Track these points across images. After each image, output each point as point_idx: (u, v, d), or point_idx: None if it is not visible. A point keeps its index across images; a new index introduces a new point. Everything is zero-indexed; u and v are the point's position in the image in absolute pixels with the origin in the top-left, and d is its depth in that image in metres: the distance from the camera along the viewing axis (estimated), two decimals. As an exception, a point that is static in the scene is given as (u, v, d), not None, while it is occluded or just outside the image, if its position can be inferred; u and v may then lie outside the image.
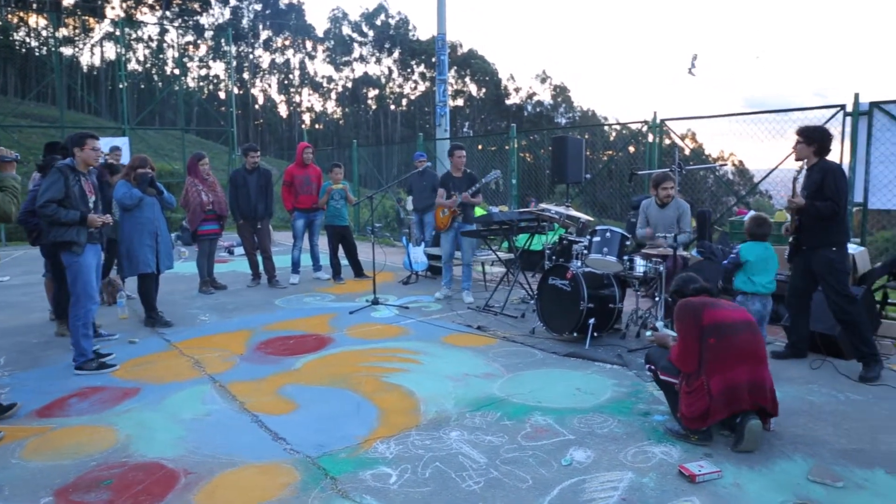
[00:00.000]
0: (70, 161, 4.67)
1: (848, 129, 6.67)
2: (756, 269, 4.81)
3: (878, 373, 4.38)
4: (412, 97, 74.58)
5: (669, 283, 5.21)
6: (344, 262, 8.70)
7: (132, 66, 56.55)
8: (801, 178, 4.57)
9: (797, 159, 4.72)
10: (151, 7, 60.40)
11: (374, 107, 74.30)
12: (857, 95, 6.59)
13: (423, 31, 76.88)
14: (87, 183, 4.74)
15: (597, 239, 5.45)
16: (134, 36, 55.45)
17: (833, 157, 4.79)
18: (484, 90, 74.30)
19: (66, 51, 52.87)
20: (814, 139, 4.58)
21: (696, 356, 3.33)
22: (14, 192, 3.72)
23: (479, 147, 15.99)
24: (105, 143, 14.31)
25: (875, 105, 6.49)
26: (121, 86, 17.94)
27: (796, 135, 4.68)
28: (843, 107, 6.72)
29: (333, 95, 75.66)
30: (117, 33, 22.85)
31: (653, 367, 3.64)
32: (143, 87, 53.86)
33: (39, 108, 39.24)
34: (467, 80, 74.35)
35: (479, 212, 8.87)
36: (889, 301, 5.97)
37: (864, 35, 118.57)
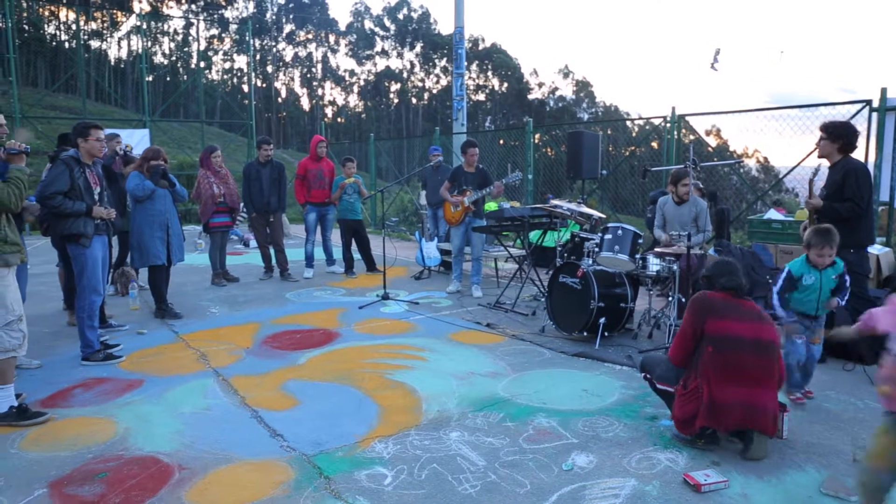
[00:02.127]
0: (74, 152, 4.66)
1: (874, 126, 6.45)
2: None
3: (901, 380, 4.20)
4: (434, 91, 74.48)
5: (684, 283, 5.09)
6: (357, 256, 8.66)
7: (158, 59, 57.32)
8: (819, 178, 4.39)
9: (820, 156, 4.55)
10: (177, 0, 61.01)
11: (395, 100, 74.35)
12: (884, 91, 6.36)
13: (445, 24, 76.71)
14: (91, 174, 4.73)
15: (608, 237, 5.33)
16: (160, 29, 56.15)
17: (858, 154, 4.62)
18: (506, 85, 73.94)
19: (94, 44, 53.74)
20: (839, 135, 4.40)
21: (688, 353, 3.26)
22: (17, 183, 3.71)
23: (501, 142, 15.87)
24: (126, 136, 14.48)
25: (903, 101, 6.27)
26: (146, 78, 18.11)
27: (820, 131, 4.50)
28: (869, 102, 6.50)
29: (355, 89, 75.91)
30: (144, 26, 23.11)
31: (648, 376, 3.52)
32: (168, 79, 54.52)
33: (68, 99, 39.90)
34: (489, 74, 74.02)
35: (491, 206, 8.77)
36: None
37: (892, 29, 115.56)
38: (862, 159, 5.81)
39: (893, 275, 5.64)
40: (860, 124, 6.31)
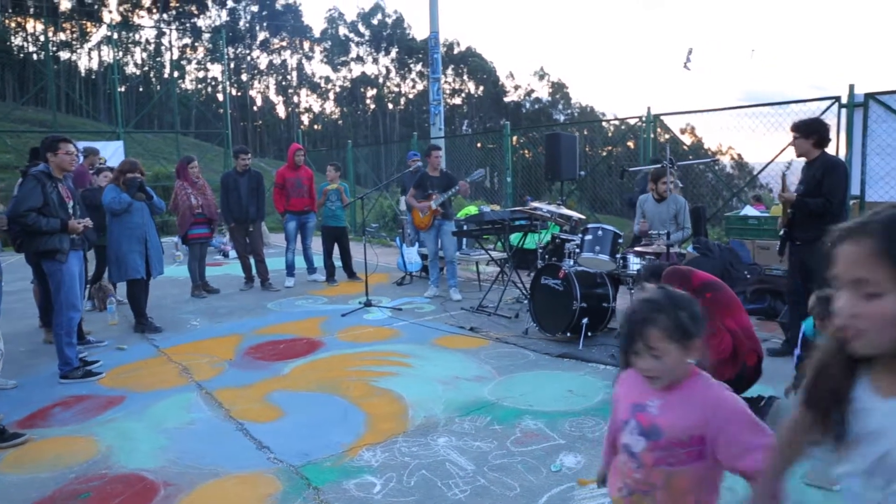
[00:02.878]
0: (44, 167, 4.58)
1: (843, 121, 6.59)
2: None
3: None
4: (410, 96, 74.49)
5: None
6: (339, 263, 8.62)
7: (130, 69, 56.58)
8: (792, 172, 4.50)
9: (798, 155, 4.63)
10: (149, 10, 60.36)
11: (372, 106, 74.22)
12: (851, 87, 6.50)
13: (420, 29, 76.82)
14: (63, 188, 4.66)
15: (589, 237, 5.37)
16: (131, 39, 55.47)
17: (829, 149, 4.71)
18: (482, 88, 74.22)
19: (64, 55, 52.91)
20: (811, 131, 4.49)
21: None
22: None
23: (479, 145, 15.91)
24: (100, 148, 14.25)
25: (870, 96, 6.41)
26: (118, 90, 17.87)
27: (792, 131, 4.59)
28: (837, 98, 6.64)
29: (331, 96, 75.62)
30: (115, 37, 22.82)
31: None
32: (141, 90, 53.83)
33: (38, 112, 39.16)
34: (465, 77, 74.28)
35: (471, 210, 8.80)
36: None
37: (860, 26, 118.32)
38: (835, 155, 5.93)
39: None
40: (830, 120, 6.45)
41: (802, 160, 4.63)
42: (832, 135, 4.74)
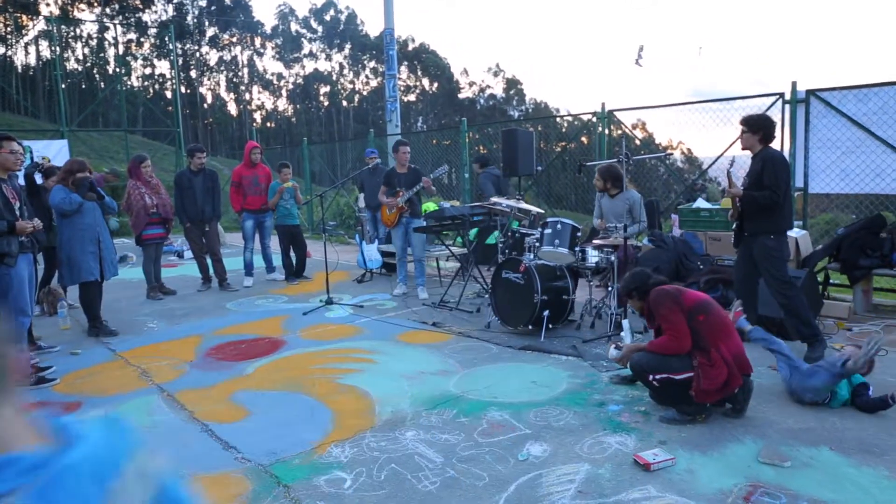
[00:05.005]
0: None
1: (787, 116, 6.87)
2: None
3: (822, 352, 4.50)
4: (364, 93, 73.95)
5: (622, 272, 5.29)
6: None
7: (71, 65, 54.45)
8: (735, 168, 4.69)
9: (744, 148, 4.81)
10: (90, 4, 58.11)
11: (326, 103, 73.37)
12: (794, 84, 6.78)
13: (373, 25, 76.41)
14: (8, 189, 4.49)
15: (548, 231, 5.47)
16: (72, 34, 53.40)
17: (775, 144, 4.91)
18: (437, 85, 74.25)
19: (-1, 50, 50.64)
20: (759, 127, 4.67)
21: (689, 333, 3.45)
22: None
23: (434, 141, 15.96)
24: (43, 147, 13.81)
25: (811, 93, 6.70)
26: (61, 86, 17.20)
27: (741, 125, 4.77)
28: (781, 95, 6.92)
29: (284, 93, 74.43)
30: (54, 31, 21.89)
31: (663, 376, 3.48)
32: (83, 87, 51.90)
33: (-28, 111, 37.39)
34: (419, 74, 74.17)
35: (431, 207, 8.84)
36: (831, 282, 6.18)
37: (802, 26, 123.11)
38: (778, 149, 6.18)
39: (810, 256, 6.03)
40: (774, 115, 6.71)
41: (747, 155, 4.83)
42: (777, 130, 4.94)
